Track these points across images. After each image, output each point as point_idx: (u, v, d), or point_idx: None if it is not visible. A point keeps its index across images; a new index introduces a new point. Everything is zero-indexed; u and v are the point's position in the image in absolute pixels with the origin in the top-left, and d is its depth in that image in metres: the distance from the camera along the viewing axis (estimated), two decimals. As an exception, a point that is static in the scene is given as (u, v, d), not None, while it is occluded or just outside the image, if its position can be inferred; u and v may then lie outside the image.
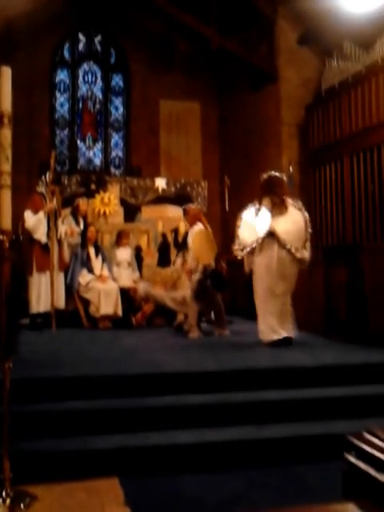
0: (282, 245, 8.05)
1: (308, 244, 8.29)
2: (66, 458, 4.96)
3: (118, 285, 10.68)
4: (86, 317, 10.52)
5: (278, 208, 8.20)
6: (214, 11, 13.98)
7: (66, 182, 11.63)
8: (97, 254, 10.90)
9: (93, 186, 11.78)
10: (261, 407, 5.90)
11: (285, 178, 8.79)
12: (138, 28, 16.06)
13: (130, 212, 12.04)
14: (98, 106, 17.02)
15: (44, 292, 9.86)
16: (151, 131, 16.56)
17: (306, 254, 8.20)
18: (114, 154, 17.11)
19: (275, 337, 8.00)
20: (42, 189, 10.17)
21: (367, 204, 11.90)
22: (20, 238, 9.41)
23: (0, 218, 4.22)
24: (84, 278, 10.57)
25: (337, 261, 9.13)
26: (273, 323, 8.05)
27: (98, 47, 17.09)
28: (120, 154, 17.13)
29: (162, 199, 12.18)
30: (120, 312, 10.49)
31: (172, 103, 16.51)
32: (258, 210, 8.26)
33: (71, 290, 10.51)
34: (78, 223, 11.06)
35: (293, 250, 8.07)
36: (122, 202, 11.98)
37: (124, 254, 11.28)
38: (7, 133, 4.27)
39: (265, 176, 8.56)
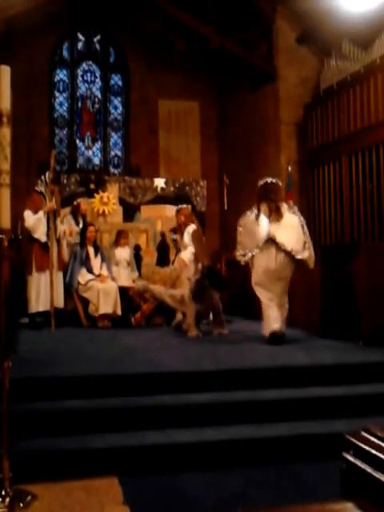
0: (281, 249, 8.34)
1: (308, 244, 8.54)
2: (65, 457, 4.96)
3: (117, 284, 10.68)
4: (85, 316, 10.52)
5: (275, 214, 8.49)
6: (212, 11, 13.99)
7: (65, 181, 11.63)
8: (96, 254, 10.90)
9: (92, 186, 11.78)
10: (260, 406, 5.90)
11: (280, 183, 9.05)
12: (137, 28, 16.07)
13: (129, 211, 12.04)
14: (97, 105, 17.05)
15: (43, 291, 9.85)
16: (150, 131, 16.58)
17: (306, 255, 8.45)
18: (113, 153, 17.13)
19: (274, 326, 8.32)
20: (41, 188, 10.16)
21: (365, 203, 11.91)
22: (19, 237, 9.41)
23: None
24: (83, 277, 10.57)
25: (335, 260, 9.13)
26: (273, 318, 8.38)
27: (97, 47, 17.12)
28: (119, 153, 17.15)
29: (160, 199, 12.19)
30: (119, 311, 10.48)
31: (171, 103, 16.53)
32: (257, 216, 8.55)
33: (70, 289, 10.51)
34: (77, 223, 11.06)
35: (294, 253, 8.35)
36: (121, 202, 11.98)
37: (123, 253, 11.28)
38: (6, 132, 4.28)
39: (261, 182, 8.83)
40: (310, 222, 13.29)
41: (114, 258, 11.22)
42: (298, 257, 8.40)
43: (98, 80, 17.13)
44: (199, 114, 16.95)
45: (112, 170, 16.92)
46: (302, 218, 8.78)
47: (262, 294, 8.54)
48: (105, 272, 10.77)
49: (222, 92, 16.86)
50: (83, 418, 5.44)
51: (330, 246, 12.32)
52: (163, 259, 11.53)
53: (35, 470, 4.73)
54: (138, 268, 11.64)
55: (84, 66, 17.07)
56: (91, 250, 10.84)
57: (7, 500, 4.18)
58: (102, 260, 10.93)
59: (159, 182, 12.34)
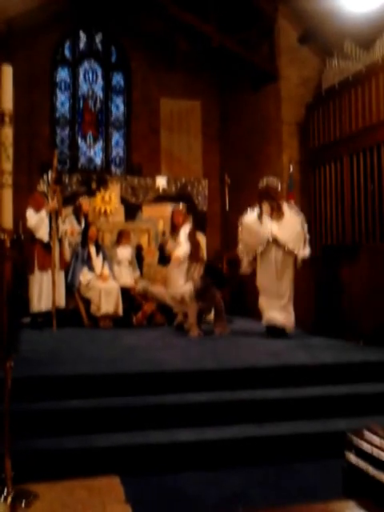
0: (282, 247, 8.80)
1: (307, 243, 9.02)
2: (66, 456, 4.97)
3: (118, 284, 10.68)
4: (87, 316, 10.52)
5: (277, 213, 8.90)
6: (214, 10, 13.99)
7: (66, 180, 11.62)
8: (97, 253, 10.90)
9: (93, 185, 11.78)
10: (261, 405, 5.91)
11: (279, 184, 9.36)
12: (139, 27, 16.06)
13: (131, 211, 12.03)
14: (98, 104, 17.02)
15: (45, 291, 9.86)
16: (152, 130, 16.56)
17: (307, 253, 8.97)
18: (114, 152, 17.11)
19: (273, 323, 8.88)
20: (43, 188, 10.17)
21: (367, 204, 11.91)
22: (21, 236, 9.42)
23: (1, 216, 4.23)
24: (85, 276, 10.57)
25: (336, 260, 9.15)
26: (273, 315, 8.89)
27: (99, 46, 17.08)
28: (121, 152, 17.13)
29: (162, 198, 12.17)
30: (121, 311, 10.48)
31: (173, 102, 16.52)
32: (260, 215, 8.95)
33: (72, 288, 10.51)
34: (79, 222, 11.06)
35: (295, 251, 8.85)
36: (123, 201, 11.97)
37: (125, 252, 11.28)
38: (9, 132, 4.28)
39: (262, 183, 9.18)
40: (311, 222, 13.30)
41: (116, 257, 11.22)
42: (300, 255, 8.88)
43: (99, 79, 17.10)
44: (201, 114, 16.93)
45: (113, 169, 16.91)
46: (302, 217, 9.20)
47: (265, 293, 8.98)
48: (106, 271, 10.76)
49: (223, 91, 16.86)
50: (84, 418, 5.45)
51: (331, 247, 12.32)
52: (165, 259, 11.53)
53: (37, 469, 4.74)
54: (140, 268, 11.64)
55: (86, 65, 17.04)
56: (93, 250, 10.84)
57: (9, 499, 4.18)
58: (104, 259, 10.93)
59: (161, 182, 12.32)
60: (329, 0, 11.85)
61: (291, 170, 13.08)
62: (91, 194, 11.74)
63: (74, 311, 10.56)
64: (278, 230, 8.83)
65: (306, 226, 9.18)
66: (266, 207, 8.94)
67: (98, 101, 17.03)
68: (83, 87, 16.97)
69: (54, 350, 7.89)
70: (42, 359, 6.93)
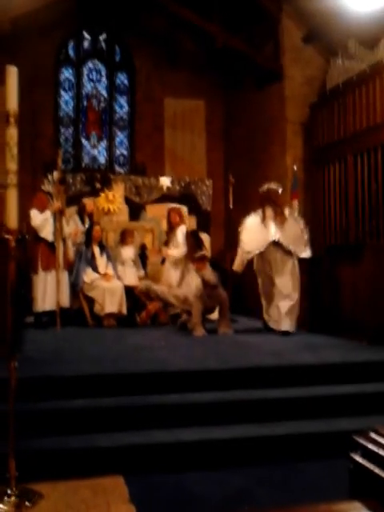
0: (284, 249, 9.25)
1: (308, 245, 9.54)
2: (70, 456, 4.98)
3: (122, 283, 10.68)
4: (91, 315, 10.52)
5: (279, 217, 9.36)
6: (218, 9, 13.99)
7: (70, 180, 11.62)
8: (101, 253, 10.89)
9: (97, 185, 11.78)
10: (265, 405, 5.91)
11: (280, 189, 9.80)
12: (143, 26, 16.05)
13: (135, 210, 12.03)
14: (102, 104, 17.03)
15: (49, 291, 9.87)
16: (156, 129, 16.56)
17: (307, 254, 9.48)
18: (118, 152, 17.12)
19: (275, 326, 9.27)
20: (48, 187, 10.17)
21: (371, 203, 11.89)
22: (25, 236, 9.42)
23: (7, 216, 4.24)
24: (89, 276, 10.57)
25: (340, 259, 9.15)
26: (273, 314, 9.36)
27: (103, 45, 17.09)
28: (124, 152, 17.14)
29: (166, 198, 12.17)
30: (125, 310, 10.48)
31: (177, 101, 16.51)
32: (263, 219, 9.40)
33: (76, 288, 10.51)
34: (83, 222, 11.06)
35: (298, 253, 9.33)
36: (127, 201, 11.96)
37: (129, 252, 11.28)
38: (13, 132, 4.29)
39: (264, 188, 9.66)
40: (315, 222, 13.30)
41: (120, 257, 11.22)
42: (302, 255, 9.39)
43: (103, 79, 17.11)
44: (205, 113, 16.93)
45: (117, 168, 16.91)
46: (302, 221, 9.82)
47: (265, 293, 9.53)
48: (110, 271, 10.76)
49: (227, 91, 16.85)
50: (88, 417, 5.45)
51: (335, 246, 12.33)
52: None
53: (41, 468, 4.74)
54: (144, 267, 11.65)
55: (90, 64, 17.06)
56: (97, 249, 10.83)
57: (13, 499, 4.19)
58: (108, 259, 10.92)
59: (165, 181, 12.33)
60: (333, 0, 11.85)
61: (295, 169, 13.07)
62: (95, 193, 11.73)
63: (78, 311, 10.56)
64: (280, 234, 9.25)
65: (306, 229, 9.63)
66: (269, 212, 9.37)
67: (102, 100, 17.03)
68: (87, 87, 16.98)
69: (58, 349, 7.90)
70: (46, 359, 6.94)
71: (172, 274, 10.99)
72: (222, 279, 9.50)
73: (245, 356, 7.29)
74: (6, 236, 4.31)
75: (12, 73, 4.28)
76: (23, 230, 10.64)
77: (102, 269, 10.73)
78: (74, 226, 10.84)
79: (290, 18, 14.15)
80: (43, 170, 12.01)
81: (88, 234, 10.84)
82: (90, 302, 10.55)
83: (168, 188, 12.24)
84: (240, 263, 9.61)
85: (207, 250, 11.56)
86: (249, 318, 10.93)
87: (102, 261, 10.83)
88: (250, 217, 9.62)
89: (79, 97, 16.84)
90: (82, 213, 11.14)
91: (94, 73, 17.08)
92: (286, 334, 9.01)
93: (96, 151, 16.93)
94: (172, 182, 12.35)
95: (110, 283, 10.52)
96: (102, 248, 10.95)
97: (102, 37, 17.03)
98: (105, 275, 10.62)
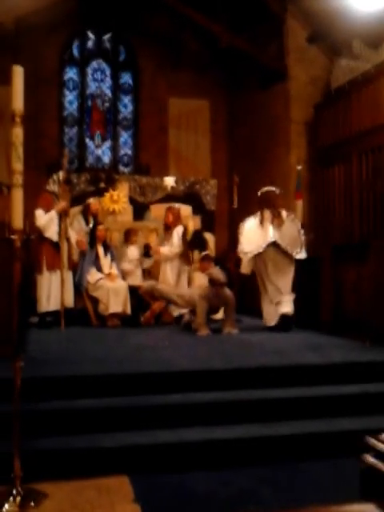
0: (282, 250, 9.57)
1: (303, 247, 9.81)
2: (75, 456, 4.98)
3: (126, 283, 10.69)
4: (95, 315, 10.52)
5: (278, 219, 9.69)
6: (222, 9, 13.99)
7: (75, 180, 11.61)
8: (105, 253, 10.87)
9: (102, 185, 11.77)
10: (268, 405, 5.91)
11: (278, 191, 10.17)
12: (148, 26, 16.04)
13: (139, 210, 12.01)
14: (107, 103, 17.03)
15: (54, 290, 9.87)
16: (160, 129, 16.56)
17: (303, 255, 9.74)
18: (122, 152, 17.11)
19: (273, 323, 9.56)
20: (53, 187, 10.17)
21: (375, 203, 11.89)
22: (31, 236, 9.43)
23: (12, 217, 4.24)
24: (93, 276, 10.56)
25: (345, 259, 9.16)
26: (271, 312, 9.62)
27: (107, 45, 17.09)
28: (129, 152, 17.13)
29: (170, 198, 12.16)
30: (129, 310, 10.48)
31: (181, 101, 16.51)
32: (261, 221, 9.74)
33: (80, 288, 10.51)
34: (87, 222, 11.06)
35: (294, 254, 9.61)
36: (131, 201, 11.94)
37: (134, 251, 11.28)
38: (19, 132, 4.30)
39: (263, 191, 10.08)
40: (319, 221, 13.31)
41: (127, 256, 11.22)
42: (297, 257, 9.65)
43: (107, 78, 17.11)
44: (209, 113, 16.92)
45: (121, 168, 16.90)
46: (299, 223, 10.14)
47: (264, 292, 9.76)
48: (114, 271, 10.77)
49: (231, 90, 16.85)
50: (93, 417, 5.46)
51: (339, 246, 12.32)
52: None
53: (46, 469, 4.75)
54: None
55: (94, 64, 17.05)
56: (101, 249, 10.82)
57: (18, 499, 4.20)
58: (112, 259, 10.92)
59: (169, 181, 12.31)
60: (337, -1, 11.86)
61: (299, 169, 13.06)
62: (100, 193, 11.72)
63: (82, 311, 10.56)
64: (278, 236, 9.57)
65: (302, 231, 9.97)
66: (267, 214, 9.72)
67: (107, 100, 17.03)
68: (91, 86, 16.98)
69: (62, 349, 7.90)
70: (50, 359, 6.94)
71: (168, 273, 11.08)
72: (227, 279, 9.51)
73: (249, 356, 7.29)
74: (12, 236, 4.31)
75: (18, 73, 4.29)
76: (27, 230, 10.67)
77: (106, 269, 10.73)
78: (78, 227, 10.84)
79: (295, 17, 14.15)
80: (47, 170, 12.00)
81: (92, 234, 10.84)
82: (94, 301, 10.54)
83: (172, 188, 12.22)
84: (246, 265, 9.90)
85: (211, 250, 11.58)
86: (252, 318, 10.93)
87: (106, 261, 10.83)
88: (248, 219, 9.97)
89: (83, 96, 16.84)
90: (86, 213, 11.13)
91: (98, 72, 17.08)
92: (286, 318, 9.47)
93: (100, 151, 16.93)
94: (176, 182, 12.33)
95: (114, 283, 10.52)
96: (107, 248, 10.94)
97: (107, 36, 17.03)
98: (109, 275, 10.62)
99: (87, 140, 16.83)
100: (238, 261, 10.30)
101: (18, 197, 4.27)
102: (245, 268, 9.97)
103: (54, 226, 9.88)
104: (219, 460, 5.20)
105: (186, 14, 13.83)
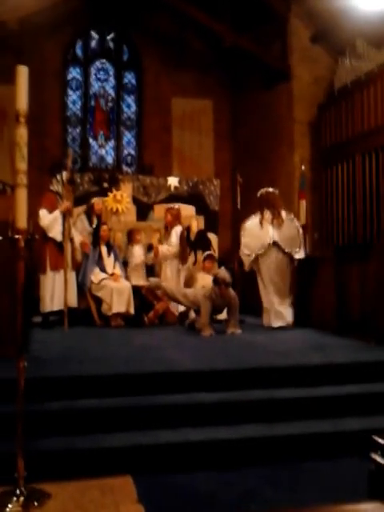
0: (282, 250, 9.85)
1: (302, 247, 10.16)
2: (79, 456, 4.97)
3: (130, 283, 10.68)
4: (98, 315, 10.51)
5: (277, 220, 9.93)
6: (226, 9, 13.99)
7: (78, 180, 11.61)
8: (109, 253, 10.86)
9: (105, 185, 11.77)
10: (272, 405, 5.90)
11: (277, 192, 10.39)
12: (151, 26, 16.07)
13: (143, 210, 12.01)
14: (110, 103, 17.05)
15: (57, 290, 9.86)
16: (164, 129, 16.58)
17: (302, 255, 10.08)
18: (126, 152, 17.13)
19: (274, 323, 9.80)
20: (57, 187, 10.16)
21: (379, 203, 11.88)
22: (35, 236, 9.42)
23: (16, 216, 4.24)
24: (96, 276, 10.56)
25: (348, 260, 9.14)
26: (273, 311, 9.85)
27: (111, 45, 17.11)
28: (132, 152, 17.15)
29: (174, 198, 12.15)
30: (132, 310, 10.46)
31: (185, 101, 16.52)
32: (261, 221, 9.96)
33: (83, 288, 10.50)
34: (91, 223, 11.05)
35: (293, 253, 9.91)
36: (135, 201, 11.94)
37: (140, 251, 11.28)
38: (23, 132, 4.30)
39: (262, 191, 10.29)
40: (322, 222, 13.31)
41: (133, 256, 11.23)
42: (297, 256, 9.95)
43: (111, 78, 17.13)
44: (212, 113, 16.95)
45: (125, 168, 16.92)
46: (297, 223, 10.32)
47: (261, 289, 10.02)
48: (118, 271, 10.76)
49: (235, 90, 16.84)
50: (97, 417, 5.45)
51: (342, 246, 12.32)
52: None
53: (49, 469, 4.75)
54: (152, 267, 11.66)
55: (97, 64, 17.08)
56: (104, 249, 10.81)
57: (22, 499, 4.20)
58: (115, 259, 10.91)
59: (173, 181, 12.31)
60: (341, -1, 11.86)
61: (303, 169, 13.06)
62: (103, 193, 11.72)
63: (86, 311, 10.55)
64: (278, 235, 9.84)
65: (301, 231, 10.22)
66: (267, 215, 9.95)
67: (110, 100, 17.05)
68: (95, 86, 17.01)
69: (66, 349, 7.89)
70: (54, 359, 6.94)
71: (168, 271, 11.20)
72: (232, 279, 9.51)
73: (253, 356, 7.28)
74: (16, 236, 4.31)
75: (22, 72, 4.28)
76: (30, 230, 10.64)
77: (109, 269, 10.72)
78: (81, 227, 10.84)
79: (298, 17, 14.16)
80: (51, 170, 12.02)
81: (95, 233, 10.83)
82: (98, 301, 10.53)
83: (176, 188, 12.22)
84: (249, 264, 10.10)
85: (215, 250, 11.58)
86: (256, 318, 10.91)
87: (109, 261, 10.82)
88: (249, 220, 10.20)
89: (87, 96, 16.87)
90: (90, 213, 11.12)
91: (101, 72, 17.11)
92: (284, 328, 9.65)
93: (103, 151, 16.96)
94: (180, 182, 12.33)
95: (118, 283, 10.51)
96: (110, 248, 10.93)
97: (110, 36, 17.06)
98: (112, 275, 10.61)
99: (90, 140, 16.85)
100: (241, 261, 10.34)
101: (21, 197, 4.26)
102: (248, 267, 10.17)
103: (57, 226, 9.87)
104: (223, 460, 5.19)
105: (189, 14, 13.85)
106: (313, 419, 5.85)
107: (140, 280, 11.09)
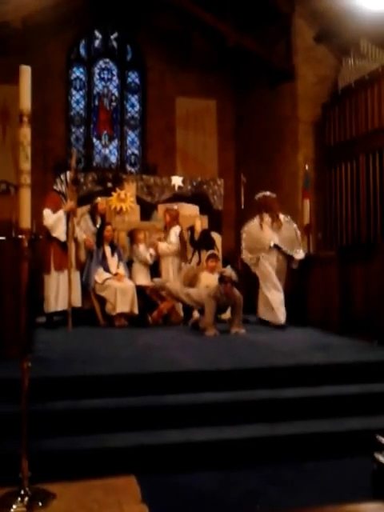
0: (282, 251, 10.11)
1: (301, 248, 10.43)
2: (83, 456, 4.98)
3: (134, 283, 10.67)
4: (102, 315, 10.50)
5: (276, 222, 10.19)
6: (230, 8, 13.99)
7: (82, 180, 11.60)
8: (113, 253, 10.84)
9: (109, 184, 11.76)
10: (276, 405, 5.91)
11: (274, 196, 10.61)
12: (155, 25, 16.07)
13: (147, 210, 11.99)
14: (114, 103, 17.04)
15: (61, 290, 9.85)
16: (167, 129, 16.57)
17: (301, 256, 10.29)
18: (129, 151, 17.13)
19: (271, 319, 9.96)
20: (61, 187, 10.15)
21: (383, 202, 11.87)
22: (39, 236, 9.41)
23: (20, 216, 4.24)
24: (100, 276, 10.55)
25: (352, 260, 9.13)
26: (272, 308, 9.96)
27: (115, 44, 17.10)
28: (136, 151, 17.14)
29: (178, 197, 12.14)
30: (136, 310, 10.44)
31: (188, 101, 16.52)
32: (261, 224, 10.21)
33: (87, 288, 10.49)
34: (95, 222, 11.04)
35: (293, 254, 10.18)
36: (139, 200, 11.93)
37: (143, 251, 11.27)
38: (27, 131, 4.30)
39: (261, 195, 10.55)
40: (326, 221, 13.29)
41: (140, 255, 11.21)
42: (297, 257, 10.20)
43: (115, 78, 17.12)
44: (216, 112, 16.95)
45: (129, 168, 16.91)
46: (295, 225, 10.51)
47: (265, 290, 10.09)
48: (122, 271, 10.74)
49: (239, 90, 16.84)
50: (101, 417, 5.46)
51: (346, 246, 12.31)
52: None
53: (53, 469, 4.75)
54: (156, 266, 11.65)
55: (101, 63, 17.07)
56: (108, 249, 10.80)
57: (26, 499, 4.20)
58: (119, 259, 10.90)
59: (177, 181, 12.29)
60: (345, -1, 11.85)
61: (307, 168, 13.05)
62: (107, 193, 11.71)
63: (90, 311, 10.54)
64: (277, 238, 10.09)
65: (299, 232, 10.47)
66: (266, 218, 10.21)
67: (114, 99, 17.04)
68: (98, 86, 17.00)
69: (70, 349, 7.89)
70: (58, 359, 6.94)
71: (169, 270, 11.27)
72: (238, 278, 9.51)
73: (256, 356, 7.27)
74: (19, 236, 4.31)
75: (25, 72, 4.28)
76: (34, 230, 10.65)
77: (113, 269, 10.71)
78: (85, 227, 10.83)
79: (302, 17, 14.15)
80: (54, 170, 12.00)
81: (99, 233, 10.82)
82: (102, 301, 10.52)
83: (179, 187, 12.21)
84: (252, 265, 10.32)
85: (218, 250, 11.58)
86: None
87: (113, 261, 10.81)
88: (249, 223, 10.45)
89: (90, 96, 16.86)
90: (93, 213, 11.12)
91: (105, 72, 17.10)
92: (281, 327, 9.74)
93: (107, 151, 16.95)
94: (183, 182, 12.32)
95: (122, 283, 10.50)
96: (114, 248, 10.92)
97: (114, 36, 17.04)
98: (116, 275, 10.60)
99: (94, 139, 16.84)
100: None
101: (25, 196, 4.26)
102: (252, 268, 10.35)
103: (61, 226, 9.86)
104: (226, 460, 5.19)
105: (193, 14, 13.84)
106: (317, 419, 5.86)
107: (144, 280, 11.07)
